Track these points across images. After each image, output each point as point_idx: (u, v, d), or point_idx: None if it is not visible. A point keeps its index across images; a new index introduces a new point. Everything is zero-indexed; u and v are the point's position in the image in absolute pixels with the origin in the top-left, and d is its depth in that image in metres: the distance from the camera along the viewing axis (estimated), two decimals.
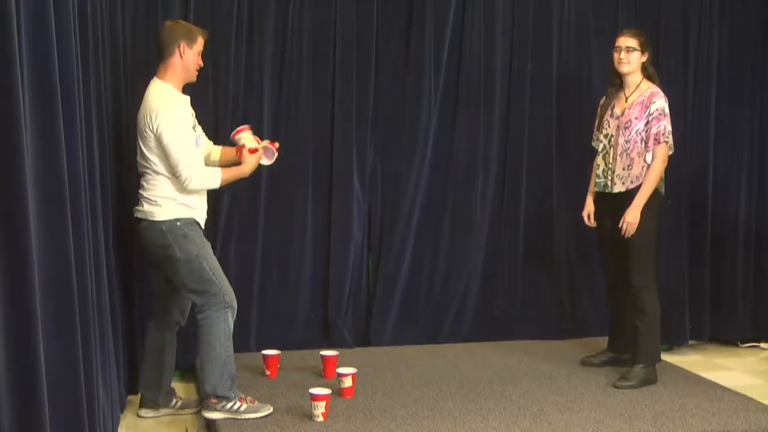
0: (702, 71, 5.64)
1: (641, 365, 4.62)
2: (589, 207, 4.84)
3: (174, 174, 3.95)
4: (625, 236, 4.57)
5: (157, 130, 3.91)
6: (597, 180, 4.75)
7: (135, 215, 4.09)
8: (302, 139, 5.23)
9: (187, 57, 4.00)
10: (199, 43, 4.03)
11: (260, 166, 4.27)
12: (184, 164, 3.93)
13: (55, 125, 2.66)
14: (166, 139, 3.90)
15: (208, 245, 4.12)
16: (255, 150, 4.14)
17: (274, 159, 4.25)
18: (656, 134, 4.56)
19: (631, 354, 4.69)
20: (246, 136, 4.18)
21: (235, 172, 4.13)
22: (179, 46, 3.98)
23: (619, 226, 4.59)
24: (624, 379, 4.59)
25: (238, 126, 4.28)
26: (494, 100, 5.47)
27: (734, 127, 5.75)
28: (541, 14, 5.50)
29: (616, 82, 4.72)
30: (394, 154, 5.40)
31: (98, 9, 3.76)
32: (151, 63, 4.16)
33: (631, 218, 4.57)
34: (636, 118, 4.58)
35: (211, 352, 4.03)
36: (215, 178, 4.04)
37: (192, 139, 3.98)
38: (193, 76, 4.09)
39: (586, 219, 4.84)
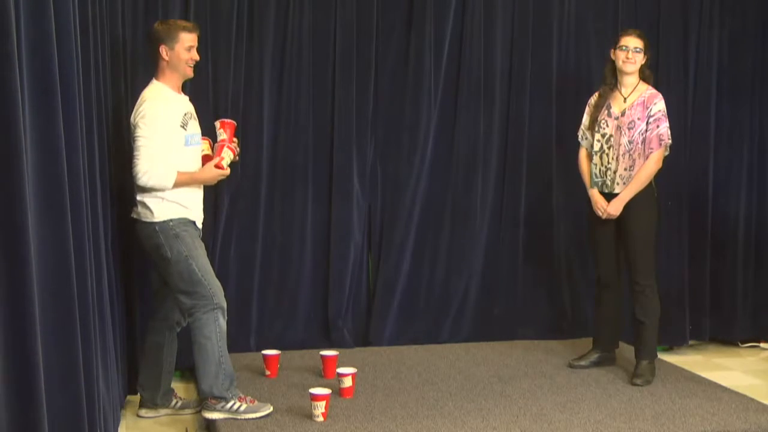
0: (702, 71, 5.64)
1: (647, 361, 4.70)
2: (599, 198, 4.65)
3: (132, 165, 3.97)
4: (626, 235, 4.63)
5: (134, 123, 3.96)
6: (594, 179, 4.74)
7: (131, 216, 4.10)
8: (302, 139, 5.22)
9: (171, 57, 4.02)
10: (184, 40, 4.02)
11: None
12: (139, 158, 3.93)
13: (55, 124, 2.66)
14: (138, 132, 3.94)
15: (201, 246, 4.12)
16: (221, 167, 4.12)
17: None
18: (659, 136, 4.56)
19: (635, 350, 4.75)
20: (227, 154, 4.16)
21: (190, 177, 4.06)
22: (160, 49, 4.02)
23: (603, 217, 4.62)
24: (638, 377, 4.64)
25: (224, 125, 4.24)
26: (494, 100, 5.47)
27: (734, 127, 5.74)
28: (541, 14, 5.49)
29: (611, 81, 4.71)
30: (394, 154, 5.40)
31: (98, 9, 3.76)
32: (151, 63, 4.16)
33: (613, 210, 4.61)
34: (639, 118, 4.58)
35: (203, 353, 4.04)
36: (168, 179, 3.97)
37: (167, 138, 3.96)
38: (186, 73, 4.09)
39: (602, 212, 4.63)
